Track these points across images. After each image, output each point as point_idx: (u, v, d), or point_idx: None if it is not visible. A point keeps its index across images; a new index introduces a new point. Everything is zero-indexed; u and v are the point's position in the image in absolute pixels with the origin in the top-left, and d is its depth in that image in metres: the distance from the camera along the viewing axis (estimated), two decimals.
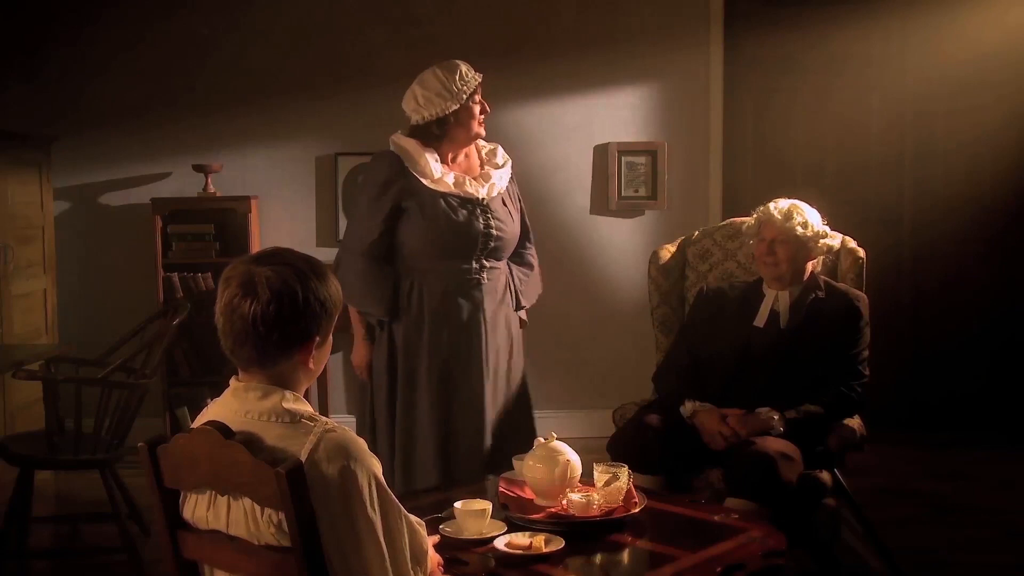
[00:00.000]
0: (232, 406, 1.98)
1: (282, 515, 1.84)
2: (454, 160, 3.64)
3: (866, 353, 3.55)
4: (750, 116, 5.83)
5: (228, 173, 5.64)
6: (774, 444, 3.24)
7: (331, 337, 2.06)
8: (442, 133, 3.56)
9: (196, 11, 5.65)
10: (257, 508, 1.89)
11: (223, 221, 5.61)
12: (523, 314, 3.82)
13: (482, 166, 3.69)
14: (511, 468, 3.03)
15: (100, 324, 5.46)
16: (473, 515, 2.64)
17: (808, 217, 3.60)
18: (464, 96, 3.52)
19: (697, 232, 4.19)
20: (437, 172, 3.54)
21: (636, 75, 5.73)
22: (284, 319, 1.91)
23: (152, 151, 5.70)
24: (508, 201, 3.68)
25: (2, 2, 5.54)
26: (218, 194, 5.57)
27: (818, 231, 3.59)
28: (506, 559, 2.51)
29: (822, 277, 3.67)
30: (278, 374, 1.97)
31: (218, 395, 2.04)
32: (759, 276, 3.70)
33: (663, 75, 5.73)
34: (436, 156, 3.57)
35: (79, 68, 5.66)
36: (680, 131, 5.75)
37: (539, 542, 2.55)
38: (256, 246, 5.60)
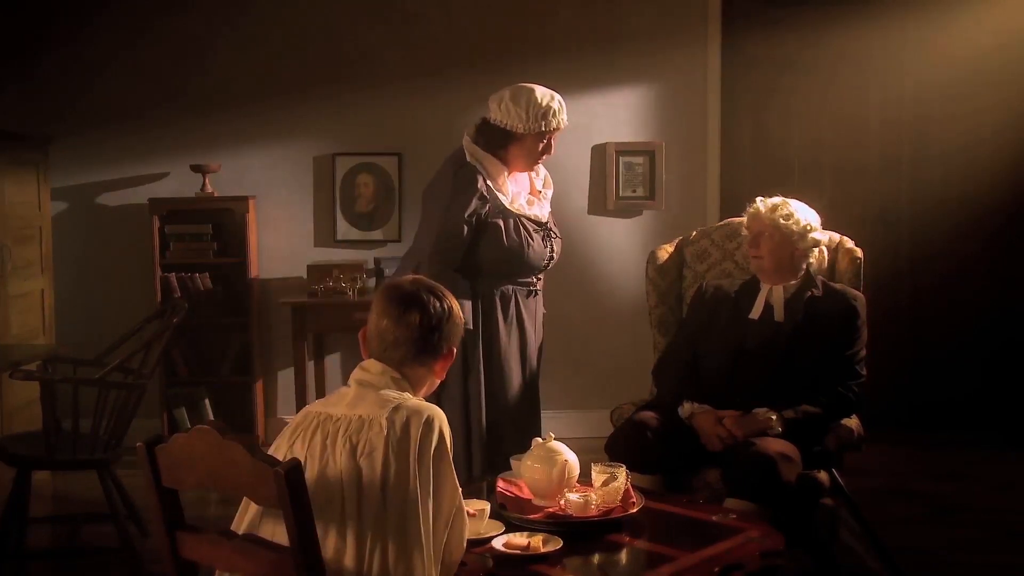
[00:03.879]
0: (374, 368, 2.26)
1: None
2: (515, 179, 3.77)
3: (863, 353, 3.55)
4: (748, 116, 5.83)
5: (226, 173, 5.64)
6: (774, 445, 3.24)
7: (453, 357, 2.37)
8: (503, 144, 3.67)
9: (194, 11, 5.64)
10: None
11: (221, 221, 5.60)
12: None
13: (531, 182, 3.85)
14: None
15: (97, 324, 5.46)
16: (471, 516, 2.64)
17: (795, 212, 3.59)
18: (535, 131, 3.62)
19: (695, 232, 4.19)
20: (510, 191, 3.70)
21: (634, 75, 5.72)
22: (444, 324, 2.27)
23: (150, 151, 5.69)
24: (554, 222, 3.91)
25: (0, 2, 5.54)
26: (216, 194, 5.56)
27: (803, 225, 3.57)
28: (504, 559, 2.51)
29: (819, 277, 3.67)
30: (410, 375, 2.26)
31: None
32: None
33: (661, 75, 5.73)
34: (506, 171, 3.70)
35: (77, 68, 5.65)
36: (678, 131, 5.75)
37: (537, 542, 2.55)
38: (254, 246, 5.60)
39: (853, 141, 5.81)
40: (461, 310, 3.64)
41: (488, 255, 3.66)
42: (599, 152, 5.75)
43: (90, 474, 4.10)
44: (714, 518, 2.83)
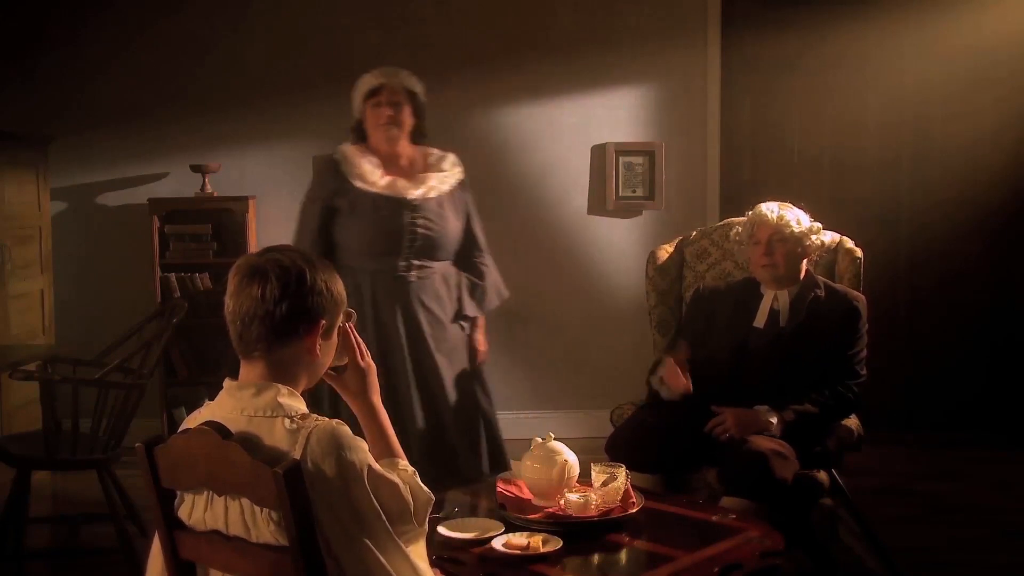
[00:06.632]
0: (227, 405, 1.98)
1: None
2: (394, 164, 3.78)
3: (864, 353, 3.56)
4: (747, 116, 5.83)
5: (225, 173, 5.64)
6: (766, 443, 3.25)
7: (336, 336, 2.05)
8: (361, 134, 3.80)
9: (193, 11, 5.64)
10: (255, 506, 1.89)
11: (220, 221, 5.60)
12: (477, 320, 3.94)
13: (425, 171, 3.84)
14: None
15: (97, 324, 5.45)
16: None
17: (799, 216, 3.61)
18: (355, 106, 3.77)
19: (695, 232, 4.19)
20: (373, 175, 3.72)
21: (634, 75, 5.72)
22: (292, 294, 1.93)
23: (149, 151, 5.69)
24: (447, 205, 3.81)
25: None
26: (215, 194, 5.56)
27: (809, 227, 3.60)
28: (504, 559, 2.51)
29: (820, 277, 3.67)
30: (282, 360, 1.97)
31: (215, 396, 2.05)
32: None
33: (661, 75, 5.73)
34: (376, 161, 3.74)
35: (76, 68, 5.65)
36: (678, 131, 5.75)
37: (537, 542, 2.55)
38: (253, 246, 5.59)
39: (852, 141, 5.81)
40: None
41: (341, 238, 3.75)
42: (599, 152, 5.74)
43: (90, 474, 4.10)
44: (714, 518, 2.83)
